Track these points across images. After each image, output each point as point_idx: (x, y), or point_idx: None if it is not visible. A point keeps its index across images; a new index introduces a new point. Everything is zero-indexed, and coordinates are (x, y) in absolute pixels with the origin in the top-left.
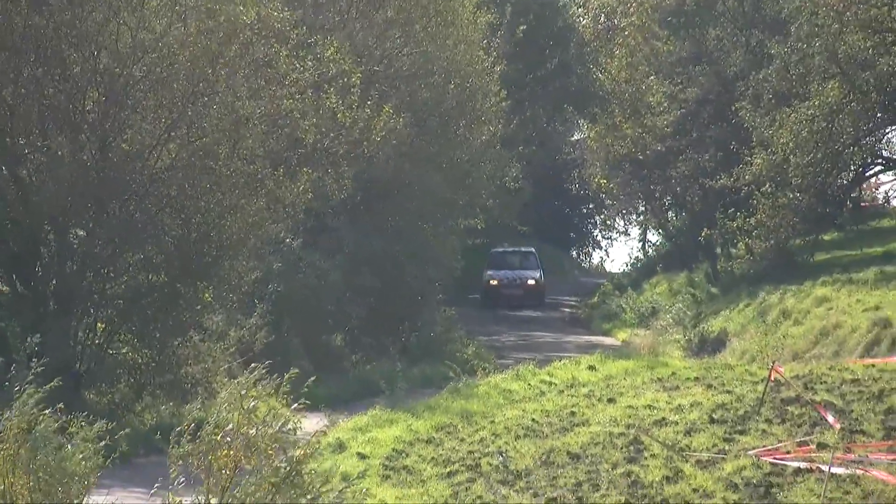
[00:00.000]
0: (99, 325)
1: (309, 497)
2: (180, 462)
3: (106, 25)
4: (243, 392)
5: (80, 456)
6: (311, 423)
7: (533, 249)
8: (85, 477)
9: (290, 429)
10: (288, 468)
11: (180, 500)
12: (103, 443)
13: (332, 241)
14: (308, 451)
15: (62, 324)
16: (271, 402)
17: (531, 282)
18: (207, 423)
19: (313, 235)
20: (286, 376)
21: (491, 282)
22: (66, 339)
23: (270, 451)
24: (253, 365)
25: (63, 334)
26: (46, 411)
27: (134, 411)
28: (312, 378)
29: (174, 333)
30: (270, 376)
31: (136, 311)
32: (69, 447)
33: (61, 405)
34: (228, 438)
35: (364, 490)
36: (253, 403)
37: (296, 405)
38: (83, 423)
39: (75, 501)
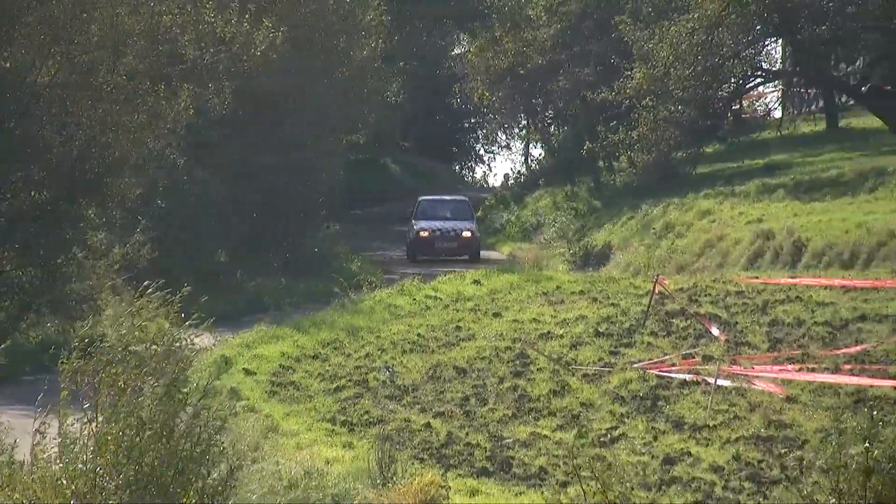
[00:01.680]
0: None
1: (191, 410)
2: (69, 379)
3: None
4: (132, 310)
5: None
6: (196, 341)
7: (466, 198)
8: None
9: (181, 346)
10: (167, 384)
11: (69, 417)
12: None
13: (214, 158)
14: (185, 364)
15: None
16: (159, 319)
17: (466, 234)
18: (96, 340)
19: (196, 151)
20: (179, 294)
21: (421, 233)
22: None
23: (161, 369)
24: (145, 283)
25: None
26: None
27: (19, 329)
28: (204, 298)
29: (58, 251)
30: (156, 293)
31: (18, 229)
32: None
33: None
34: (118, 356)
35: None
36: (142, 322)
37: (190, 322)
38: None
39: None
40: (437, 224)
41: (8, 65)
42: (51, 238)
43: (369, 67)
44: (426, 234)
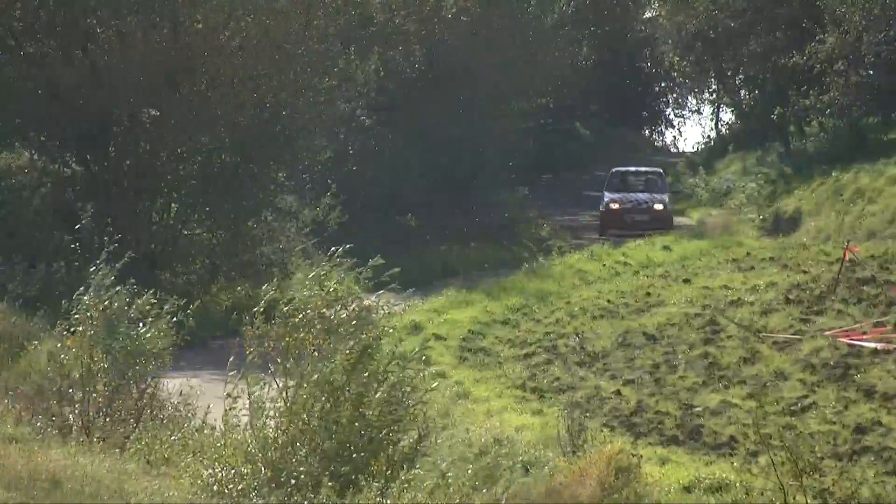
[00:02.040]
0: (172, 205)
1: (382, 379)
2: (256, 343)
3: None
4: (321, 273)
5: (153, 335)
6: (388, 306)
7: (660, 170)
8: (159, 356)
9: (368, 310)
10: (359, 351)
11: (257, 382)
12: (175, 319)
13: (403, 121)
14: (379, 333)
15: (136, 205)
16: (348, 283)
17: (658, 206)
18: (283, 304)
19: (385, 115)
20: (369, 263)
21: (611, 205)
22: (140, 220)
23: (348, 333)
24: (333, 248)
25: (137, 215)
26: (121, 291)
27: (209, 292)
28: (395, 269)
29: (247, 214)
30: (346, 257)
31: (209, 192)
32: (143, 327)
33: (136, 286)
34: (305, 320)
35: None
36: (332, 286)
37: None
38: (154, 302)
39: (151, 380)
40: (630, 196)
41: (199, 26)
42: (240, 201)
43: (558, 32)
44: (616, 206)
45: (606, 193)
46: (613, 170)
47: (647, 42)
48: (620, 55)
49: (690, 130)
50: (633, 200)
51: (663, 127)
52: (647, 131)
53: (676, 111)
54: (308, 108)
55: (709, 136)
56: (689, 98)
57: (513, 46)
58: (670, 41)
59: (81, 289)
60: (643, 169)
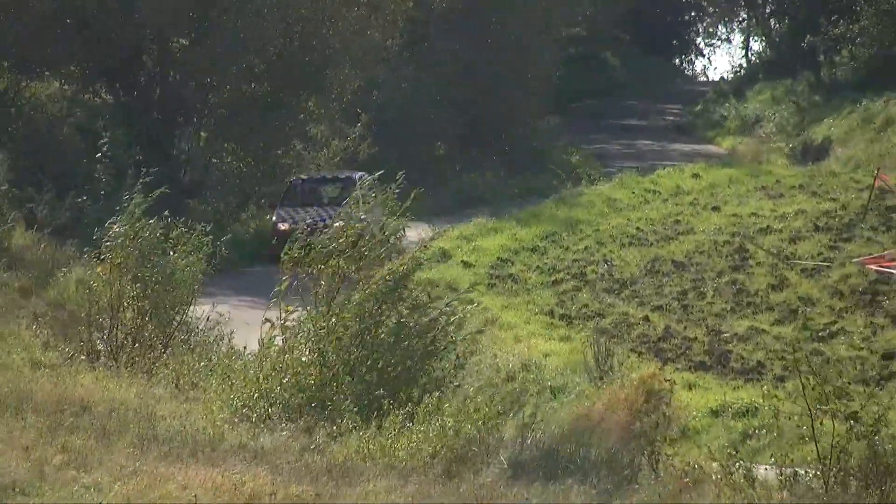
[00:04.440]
0: (203, 135)
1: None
2: (290, 270)
3: None
4: (351, 201)
5: (185, 262)
6: (415, 233)
7: (359, 174)
8: (190, 283)
9: (397, 237)
10: (394, 282)
11: (292, 309)
12: (207, 248)
13: (433, 52)
14: (413, 264)
15: (166, 134)
16: (378, 211)
17: None
18: (314, 232)
19: (415, 46)
20: (394, 183)
21: (280, 226)
22: (171, 149)
23: (378, 261)
24: (361, 174)
25: (167, 144)
26: (153, 220)
27: (239, 220)
28: (420, 189)
29: (277, 143)
30: (376, 186)
31: (239, 121)
32: (173, 254)
33: (167, 214)
34: (338, 248)
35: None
36: (361, 213)
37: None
38: (185, 230)
39: (180, 307)
40: (310, 213)
41: None
42: (270, 130)
43: None
44: (286, 226)
45: (279, 211)
46: (293, 178)
47: None
48: None
49: (720, 59)
50: (313, 220)
51: (693, 56)
52: (677, 60)
53: (706, 40)
54: (337, 37)
55: (739, 65)
56: (720, 27)
57: None
58: None
59: (113, 217)
60: (333, 175)
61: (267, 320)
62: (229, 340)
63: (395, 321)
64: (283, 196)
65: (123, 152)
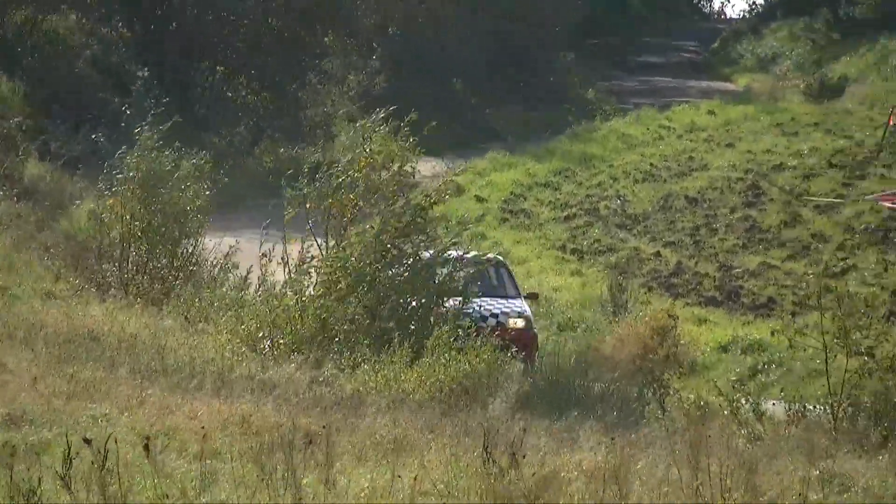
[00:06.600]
0: (218, 68)
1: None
2: (299, 204)
3: None
4: (365, 136)
5: (193, 194)
6: (430, 168)
7: None
8: (200, 215)
9: (408, 171)
10: (412, 216)
11: (297, 241)
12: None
13: None
14: (437, 195)
15: (182, 67)
16: (390, 145)
17: None
18: (326, 166)
19: None
20: (406, 119)
21: None
22: (186, 82)
23: (390, 194)
24: (377, 109)
25: (183, 77)
26: (166, 152)
27: (252, 154)
28: (433, 123)
29: (293, 77)
30: (390, 121)
31: (255, 56)
32: (184, 185)
33: (179, 145)
34: (349, 180)
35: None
36: (374, 149)
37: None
38: (195, 162)
39: (190, 240)
40: None
41: None
42: (286, 64)
43: None
44: None
45: None
46: None
47: None
48: None
49: None
50: None
51: None
52: None
53: None
54: None
55: (756, 3)
56: None
57: None
58: None
59: (124, 148)
60: None
61: (263, 255)
62: (244, 273)
63: (410, 253)
64: None
65: (140, 85)
